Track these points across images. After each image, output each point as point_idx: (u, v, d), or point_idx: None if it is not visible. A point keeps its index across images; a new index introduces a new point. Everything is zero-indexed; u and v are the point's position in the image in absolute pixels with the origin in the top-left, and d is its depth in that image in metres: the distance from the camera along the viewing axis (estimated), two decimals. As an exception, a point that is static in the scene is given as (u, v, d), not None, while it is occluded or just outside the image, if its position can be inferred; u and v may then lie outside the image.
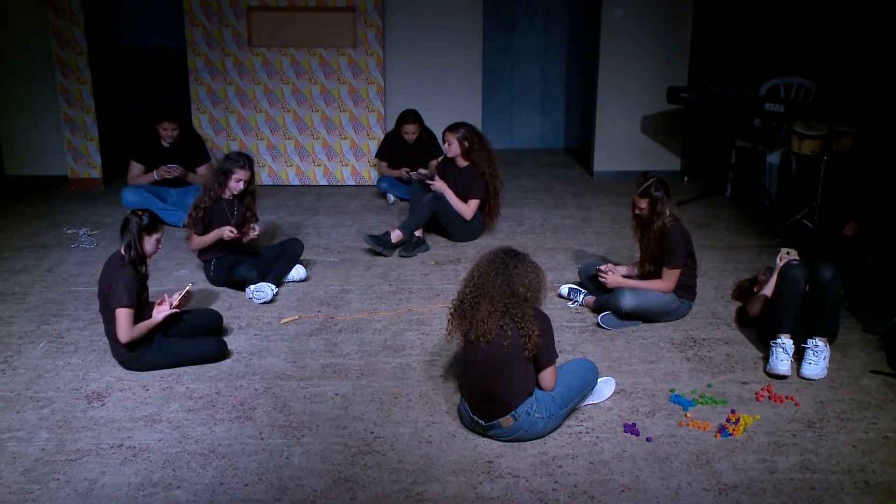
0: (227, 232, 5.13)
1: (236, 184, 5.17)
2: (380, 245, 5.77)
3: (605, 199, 7.11)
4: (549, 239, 6.19)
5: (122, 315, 4.07)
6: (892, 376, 4.21)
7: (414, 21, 7.46)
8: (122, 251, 4.14)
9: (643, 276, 4.88)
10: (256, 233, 5.31)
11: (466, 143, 6.05)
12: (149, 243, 4.19)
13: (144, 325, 4.16)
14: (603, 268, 4.84)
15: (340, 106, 7.37)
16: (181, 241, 5.83)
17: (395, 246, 5.83)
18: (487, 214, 6.22)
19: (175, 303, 4.26)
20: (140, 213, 4.19)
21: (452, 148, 6.06)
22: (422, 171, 6.43)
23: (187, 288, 4.42)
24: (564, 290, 5.10)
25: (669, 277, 4.69)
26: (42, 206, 6.90)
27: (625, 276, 4.89)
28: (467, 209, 6.04)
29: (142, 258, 4.18)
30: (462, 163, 6.11)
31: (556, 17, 8.58)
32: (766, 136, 6.94)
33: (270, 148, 7.44)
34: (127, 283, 4.06)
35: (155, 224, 4.21)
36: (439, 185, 6.00)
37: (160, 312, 4.22)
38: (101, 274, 4.20)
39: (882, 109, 5.96)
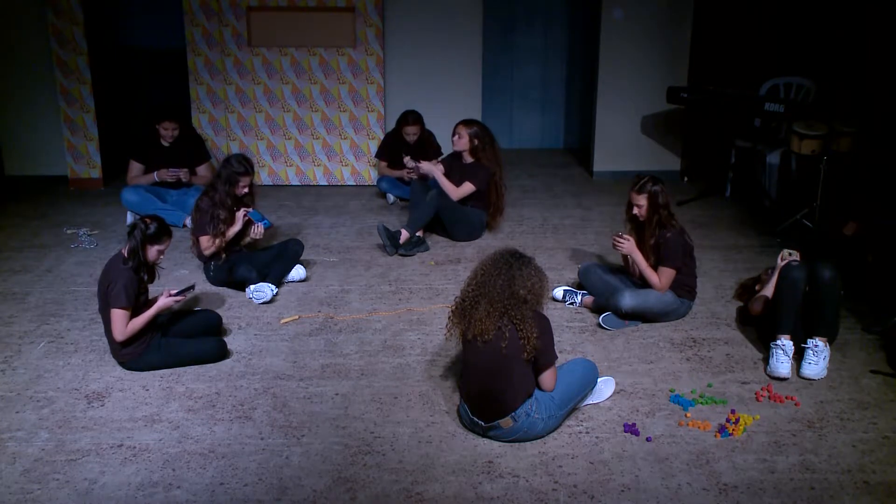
0: (241, 215, 5.20)
1: (241, 189, 5.20)
2: (389, 240, 5.76)
3: (605, 199, 7.11)
4: (549, 239, 6.19)
5: (118, 316, 4.07)
6: (892, 376, 4.21)
7: (414, 21, 7.46)
8: (126, 254, 4.14)
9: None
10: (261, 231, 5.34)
11: (476, 141, 6.07)
12: (151, 252, 4.18)
13: (139, 321, 4.14)
14: (619, 235, 4.76)
15: (340, 106, 7.37)
16: (181, 241, 5.83)
17: (401, 246, 5.83)
18: (492, 214, 6.23)
19: (173, 293, 4.27)
20: (148, 221, 4.17)
21: (462, 141, 6.08)
22: (411, 163, 6.40)
23: (193, 285, 4.43)
24: (559, 293, 5.08)
25: (664, 275, 4.69)
26: (42, 206, 6.90)
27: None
28: (456, 190, 6.05)
29: (144, 265, 4.18)
30: (468, 158, 6.13)
31: (556, 17, 8.59)
32: (766, 136, 6.94)
33: (270, 148, 7.45)
34: (126, 284, 4.06)
35: (160, 235, 4.18)
36: (426, 166, 6.04)
37: (162, 299, 4.22)
38: (102, 273, 4.20)
39: (882, 109, 5.96)
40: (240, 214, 5.21)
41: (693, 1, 7.34)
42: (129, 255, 4.11)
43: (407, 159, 6.47)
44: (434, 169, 6.11)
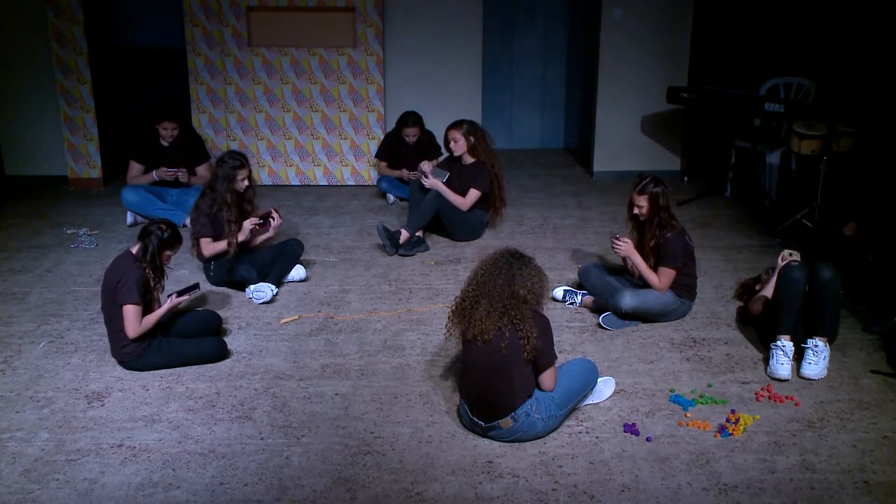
0: (249, 225, 5.18)
1: (241, 183, 5.18)
2: (389, 240, 5.76)
3: (605, 199, 7.12)
4: (549, 239, 6.19)
5: (130, 312, 4.08)
6: (892, 376, 4.21)
7: (414, 21, 7.46)
8: (139, 254, 4.15)
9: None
10: (278, 221, 5.35)
11: (472, 139, 6.05)
12: (163, 256, 4.22)
13: (152, 318, 4.18)
14: (617, 237, 4.77)
15: (340, 106, 7.37)
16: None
17: (401, 246, 5.83)
18: (496, 208, 6.21)
19: (177, 298, 4.28)
20: (164, 227, 4.20)
21: (459, 145, 6.05)
22: (423, 166, 6.22)
23: (196, 284, 4.44)
24: (559, 293, 5.08)
25: (664, 276, 4.69)
26: (42, 206, 6.90)
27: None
28: (463, 200, 6.03)
29: (157, 268, 4.20)
30: (468, 159, 6.11)
31: (556, 17, 8.59)
32: (766, 136, 6.94)
33: (270, 148, 7.45)
34: (137, 280, 4.08)
35: (173, 242, 4.23)
36: (431, 181, 5.99)
37: (167, 303, 4.24)
38: (109, 270, 4.20)
39: (882, 109, 5.96)
40: (247, 224, 5.20)
41: (693, 1, 7.35)
42: (144, 256, 4.13)
43: (411, 174, 6.33)
44: (439, 184, 5.99)
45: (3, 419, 3.82)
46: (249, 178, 5.23)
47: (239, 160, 5.19)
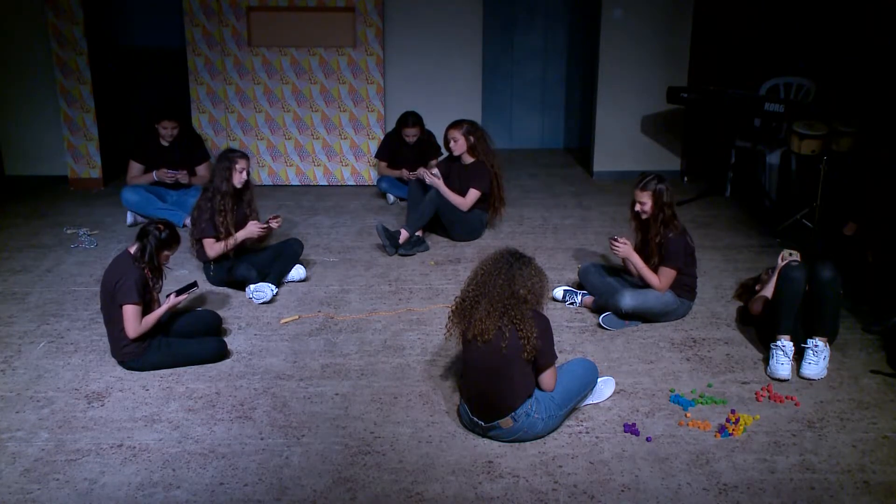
0: (256, 229, 5.18)
1: (240, 174, 5.16)
2: (389, 240, 5.76)
3: (605, 199, 7.12)
4: (549, 239, 6.19)
5: (130, 311, 4.08)
6: (892, 376, 4.21)
7: (414, 21, 7.46)
8: (137, 254, 4.15)
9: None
10: (279, 222, 5.35)
11: (472, 138, 6.04)
12: (161, 256, 4.23)
13: (151, 318, 4.18)
14: (616, 238, 4.75)
15: (340, 106, 7.37)
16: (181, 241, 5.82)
17: (401, 246, 5.83)
18: (496, 207, 6.21)
19: (176, 297, 4.28)
20: (161, 227, 4.21)
21: (459, 145, 6.05)
22: (421, 170, 6.29)
23: (195, 282, 4.44)
24: (559, 292, 5.08)
25: (665, 276, 4.68)
26: (42, 206, 6.90)
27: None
28: (463, 200, 6.03)
29: (155, 269, 4.21)
30: (468, 159, 6.10)
31: (556, 17, 8.59)
32: (766, 136, 6.94)
33: (270, 148, 7.45)
34: (136, 280, 4.09)
35: (171, 242, 4.24)
36: (431, 179, 5.99)
37: (167, 303, 4.25)
38: (108, 270, 4.20)
39: (882, 109, 5.96)
40: (253, 228, 5.18)
41: (693, 1, 7.35)
42: (142, 257, 4.14)
43: (412, 174, 6.34)
44: (439, 184, 5.98)
45: (3, 419, 3.82)
46: (248, 173, 5.22)
47: (238, 151, 5.22)
